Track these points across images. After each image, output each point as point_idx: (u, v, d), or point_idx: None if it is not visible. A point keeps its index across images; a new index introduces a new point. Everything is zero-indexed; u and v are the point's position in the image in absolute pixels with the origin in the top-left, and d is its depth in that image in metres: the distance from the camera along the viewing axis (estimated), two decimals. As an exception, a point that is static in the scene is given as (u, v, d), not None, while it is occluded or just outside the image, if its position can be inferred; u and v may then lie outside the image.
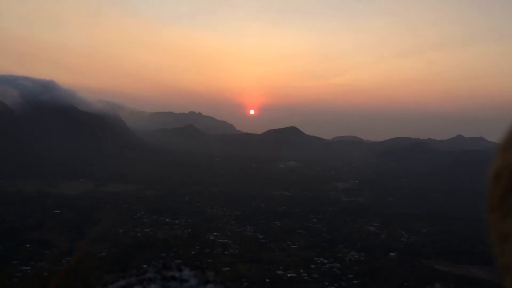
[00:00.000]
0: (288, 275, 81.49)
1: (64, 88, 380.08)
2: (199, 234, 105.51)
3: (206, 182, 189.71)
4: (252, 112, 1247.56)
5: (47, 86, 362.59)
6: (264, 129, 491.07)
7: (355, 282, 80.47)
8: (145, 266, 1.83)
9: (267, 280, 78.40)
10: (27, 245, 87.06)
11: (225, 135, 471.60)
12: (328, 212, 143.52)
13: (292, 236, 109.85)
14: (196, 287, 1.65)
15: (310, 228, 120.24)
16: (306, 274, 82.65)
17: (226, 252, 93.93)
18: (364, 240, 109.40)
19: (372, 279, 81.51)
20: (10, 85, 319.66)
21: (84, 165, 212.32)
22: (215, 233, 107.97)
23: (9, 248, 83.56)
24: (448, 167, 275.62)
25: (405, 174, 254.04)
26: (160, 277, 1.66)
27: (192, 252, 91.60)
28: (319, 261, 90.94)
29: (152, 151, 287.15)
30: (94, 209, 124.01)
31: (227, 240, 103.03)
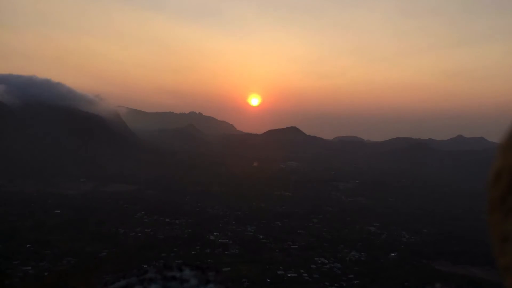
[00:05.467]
0: (289, 275, 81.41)
1: (64, 88, 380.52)
2: (200, 234, 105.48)
3: (207, 182, 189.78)
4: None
5: (48, 86, 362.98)
6: (265, 129, 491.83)
7: (355, 282, 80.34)
8: (145, 266, 1.83)
9: (268, 280, 78.30)
10: (28, 245, 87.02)
11: (225, 135, 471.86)
12: (329, 212, 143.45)
13: (293, 236, 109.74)
14: (196, 287, 1.65)
15: (310, 228, 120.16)
16: (306, 274, 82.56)
17: (226, 252, 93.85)
18: (365, 240, 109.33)
19: (373, 279, 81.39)
20: (10, 85, 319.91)
21: (84, 165, 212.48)
22: (215, 233, 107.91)
23: (9, 248, 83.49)
24: (449, 167, 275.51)
25: (406, 174, 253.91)
26: (161, 277, 1.66)
27: (193, 252, 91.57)
28: (319, 261, 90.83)
29: (152, 151, 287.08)
30: (95, 209, 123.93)
31: (227, 240, 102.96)
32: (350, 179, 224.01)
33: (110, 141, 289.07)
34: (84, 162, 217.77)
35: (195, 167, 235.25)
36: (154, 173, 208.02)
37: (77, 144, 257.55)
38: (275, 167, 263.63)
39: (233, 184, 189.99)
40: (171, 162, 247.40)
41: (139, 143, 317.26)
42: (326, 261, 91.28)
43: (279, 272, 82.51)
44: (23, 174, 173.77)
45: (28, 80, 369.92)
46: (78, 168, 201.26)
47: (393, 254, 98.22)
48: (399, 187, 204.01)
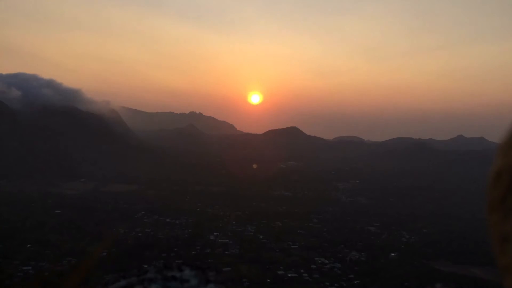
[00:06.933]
0: (289, 275, 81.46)
1: (64, 87, 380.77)
2: (200, 234, 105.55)
3: (207, 182, 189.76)
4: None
5: (48, 86, 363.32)
6: (265, 129, 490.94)
7: (355, 282, 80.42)
8: (146, 266, 1.84)
9: (268, 280, 78.36)
10: (28, 245, 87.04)
11: (225, 135, 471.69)
12: (329, 212, 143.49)
13: (293, 236, 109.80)
14: (196, 287, 1.65)
15: (310, 228, 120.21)
16: (306, 274, 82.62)
17: (226, 252, 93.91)
18: (365, 240, 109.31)
19: (373, 279, 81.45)
20: (10, 85, 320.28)
21: (84, 165, 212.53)
22: (215, 233, 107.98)
23: (10, 248, 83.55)
24: (449, 167, 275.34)
25: (406, 174, 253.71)
26: (161, 277, 1.66)
27: (193, 252, 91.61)
28: (319, 261, 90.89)
29: (152, 151, 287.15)
30: (95, 209, 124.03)
31: (227, 240, 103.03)
32: (350, 179, 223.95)
33: (110, 141, 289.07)
34: (84, 162, 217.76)
35: (195, 167, 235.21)
36: (154, 173, 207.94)
37: (77, 144, 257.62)
38: (275, 167, 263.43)
39: (233, 184, 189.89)
40: (171, 162, 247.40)
41: (139, 143, 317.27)
42: (326, 261, 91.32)
43: (279, 272, 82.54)
44: (23, 174, 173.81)
45: (28, 79, 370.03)
46: (78, 168, 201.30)
47: (393, 254, 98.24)
48: (399, 187, 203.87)
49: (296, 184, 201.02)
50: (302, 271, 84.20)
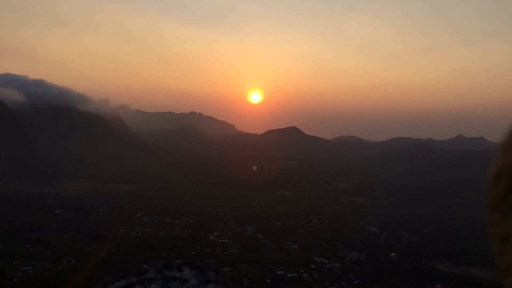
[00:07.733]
0: (289, 275, 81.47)
1: (65, 88, 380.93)
2: (200, 234, 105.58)
3: (207, 182, 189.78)
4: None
5: (48, 86, 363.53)
6: (265, 129, 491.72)
7: (355, 282, 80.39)
8: (145, 266, 1.84)
9: (268, 280, 78.37)
10: (28, 245, 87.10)
11: (225, 135, 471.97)
12: (329, 212, 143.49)
13: (293, 236, 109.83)
14: (196, 287, 1.65)
15: (310, 228, 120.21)
16: (306, 274, 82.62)
17: (226, 252, 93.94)
18: (365, 240, 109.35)
19: (373, 279, 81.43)
20: (10, 85, 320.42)
21: (84, 165, 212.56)
22: (215, 233, 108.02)
23: (9, 248, 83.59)
24: (449, 167, 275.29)
25: (406, 174, 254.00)
26: (161, 277, 1.67)
27: (193, 252, 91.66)
28: (319, 261, 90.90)
29: (152, 151, 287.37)
30: (95, 209, 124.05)
31: (227, 240, 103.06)
32: (350, 179, 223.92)
33: (110, 141, 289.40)
34: (84, 162, 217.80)
35: (195, 167, 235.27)
36: (154, 173, 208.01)
37: (77, 144, 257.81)
38: (275, 167, 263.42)
39: (233, 184, 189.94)
40: (171, 162, 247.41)
41: (139, 143, 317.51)
42: (326, 261, 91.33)
43: (279, 272, 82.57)
44: (23, 174, 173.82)
45: (28, 80, 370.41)
46: (78, 168, 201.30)
47: (393, 254, 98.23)
48: (399, 187, 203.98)
49: (296, 184, 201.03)
50: (302, 271, 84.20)
